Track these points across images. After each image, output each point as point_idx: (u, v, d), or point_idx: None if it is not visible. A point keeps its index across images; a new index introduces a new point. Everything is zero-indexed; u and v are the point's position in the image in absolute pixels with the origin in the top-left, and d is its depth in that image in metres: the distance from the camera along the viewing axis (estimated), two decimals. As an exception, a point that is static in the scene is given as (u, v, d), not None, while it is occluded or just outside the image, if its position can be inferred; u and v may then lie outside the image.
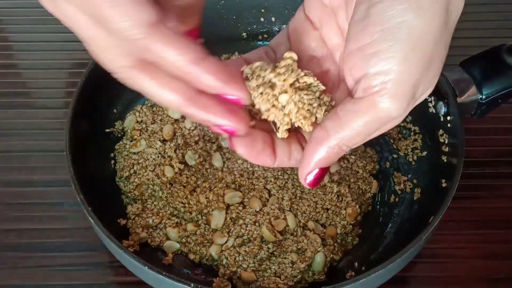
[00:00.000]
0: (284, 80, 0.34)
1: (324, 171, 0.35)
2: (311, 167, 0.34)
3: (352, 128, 0.32)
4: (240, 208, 0.50)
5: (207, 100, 0.32)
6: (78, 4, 0.29)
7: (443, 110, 0.51)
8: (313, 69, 0.36)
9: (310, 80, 0.35)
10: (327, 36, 0.38)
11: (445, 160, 0.51)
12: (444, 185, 0.49)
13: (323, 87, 0.35)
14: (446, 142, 0.51)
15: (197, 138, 0.54)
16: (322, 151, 0.33)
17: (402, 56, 0.30)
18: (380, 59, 0.30)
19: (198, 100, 0.32)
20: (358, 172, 0.53)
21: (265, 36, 0.65)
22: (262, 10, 0.64)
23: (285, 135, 0.36)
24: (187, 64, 0.30)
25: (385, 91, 0.30)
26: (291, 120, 0.35)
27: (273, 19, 0.64)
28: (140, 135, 0.54)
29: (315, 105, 0.35)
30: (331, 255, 0.48)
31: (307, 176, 0.35)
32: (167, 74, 0.31)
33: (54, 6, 0.30)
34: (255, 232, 0.48)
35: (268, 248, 0.48)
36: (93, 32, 0.30)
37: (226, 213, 0.50)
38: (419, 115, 0.53)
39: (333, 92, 0.37)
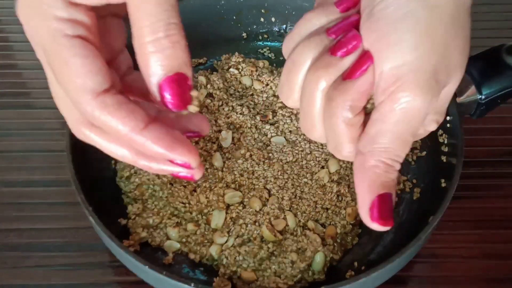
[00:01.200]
0: None
1: (385, 200, 0.31)
2: (367, 199, 0.31)
3: (384, 137, 0.30)
4: (240, 208, 0.50)
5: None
6: (44, 58, 0.31)
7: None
8: None
9: None
10: None
11: (445, 160, 0.51)
12: (443, 185, 0.49)
13: None
14: (446, 142, 0.51)
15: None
16: (368, 175, 0.30)
17: (412, 44, 0.29)
18: (390, 52, 0.29)
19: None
20: (358, 172, 0.53)
21: (265, 36, 0.65)
22: (262, 10, 0.64)
23: None
24: (128, 133, 0.31)
25: (405, 84, 0.29)
26: None
27: (273, 19, 0.64)
28: (140, 135, 0.54)
29: None
30: (331, 255, 0.48)
31: (369, 213, 0.31)
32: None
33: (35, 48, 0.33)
34: (255, 232, 0.48)
35: (268, 248, 0.48)
36: (54, 86, 0.32)
37: (226, 213, 0.50)
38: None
39: None
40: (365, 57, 0.30)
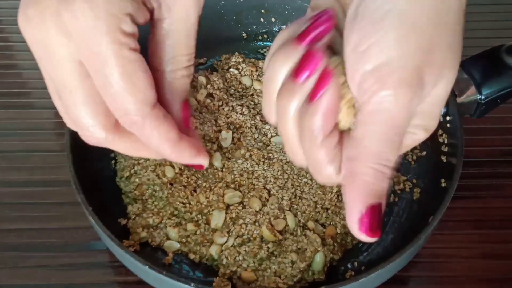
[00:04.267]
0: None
1: (375, 210, 0.29)
2: (356, 209, 0.29)
3: (370, 140, 0.29)
4: (240, 208, 0.50)
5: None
6: (72, 68, 0.33)
7: (442, 110, 0.51)
8: None
9: None
10: None
11: (445, 160, 0.51)
12: (443, 185, 0.49)
13: None
14: (446, 142, 0.52)
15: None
16: (357, 184, 0.29)
17: (395, 43, 0.28)
18: (373, 52, 0.28)
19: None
20: (358, 172, 0.53)
21: (265, 36, 0.65)
22: (262, 11, 0.64)
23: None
24: (174, 142, 0.35)
25: (386, 82, 0.28)
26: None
27: (273, 19, 0.64)
28: (140, 135, 0.54)
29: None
30: (331, 255, 0.48)
31: (359, 224, 0.29)
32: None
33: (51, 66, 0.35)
34: (255, 232, 0.48)
35: (268, 247, 0.48)
36: (80, 94, 0.33)
37: (226, 213, 0.50)
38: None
39: None
40: (324, 77, 0.29)
